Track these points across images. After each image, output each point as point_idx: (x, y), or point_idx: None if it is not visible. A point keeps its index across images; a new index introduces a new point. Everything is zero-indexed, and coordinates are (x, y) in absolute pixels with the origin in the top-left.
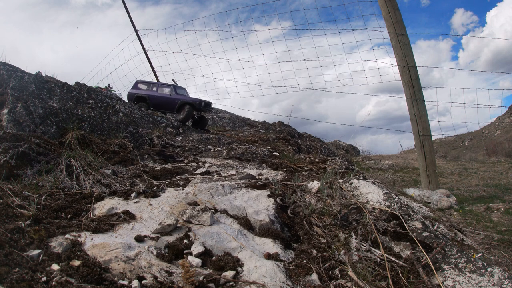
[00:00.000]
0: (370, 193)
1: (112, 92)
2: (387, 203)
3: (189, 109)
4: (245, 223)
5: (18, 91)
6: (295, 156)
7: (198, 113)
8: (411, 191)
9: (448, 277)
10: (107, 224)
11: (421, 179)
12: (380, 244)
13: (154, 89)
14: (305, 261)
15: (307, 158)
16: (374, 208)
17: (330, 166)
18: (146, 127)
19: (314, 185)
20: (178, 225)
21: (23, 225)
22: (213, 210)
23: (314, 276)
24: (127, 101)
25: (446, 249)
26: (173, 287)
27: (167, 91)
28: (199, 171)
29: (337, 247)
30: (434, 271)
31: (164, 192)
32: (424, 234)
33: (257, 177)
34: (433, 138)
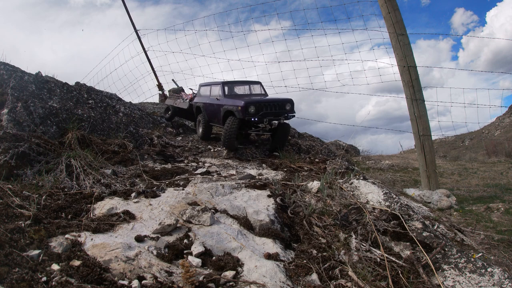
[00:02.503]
0: (370, 193)
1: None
2: (387, 203)
3: (230, 125)
4: (245, 223)
5: (18, 91)
6: (295, 156)
7: (269, 124)
8: (411, 191)
9: (448, 277)
10: (107, 224)
11: (421, 179)
12: (380, 244)
13: (209, 93)
14: (305, 261)
15: (307, 158)
16: (374, 208)
17: (330, 166)
18: (146, 127)
19: (314, 185)
20: (178, 225)
21: (23, 225)
22: (213, 210)
23: (314, 276)
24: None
25: (446, 249)
26: (173, 287)
27: (216, 93)
28: (199, 171)
29: (337, 247)
30: (434, 271)
31: (164, 192)
32: (424, 234)
33: (257, 177)
34: (433, 138)
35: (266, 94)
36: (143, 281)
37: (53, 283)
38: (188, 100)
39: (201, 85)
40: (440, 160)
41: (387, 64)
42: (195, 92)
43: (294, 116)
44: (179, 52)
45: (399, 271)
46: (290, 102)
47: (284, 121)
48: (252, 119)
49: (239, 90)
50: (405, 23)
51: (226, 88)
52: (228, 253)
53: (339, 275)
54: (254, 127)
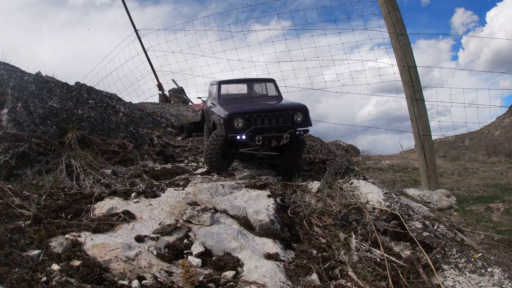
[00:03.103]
0: (370, 193)
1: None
2: (387, 203)
3: (212, 142)
4: (245, 223)
5: (18, 91)
6: None
7: (267, 143)
8: (411, 191)
9: (448, 277)
10: (107, 224)
11: (421, 179)
12: (380, 244)
13: (211, 95)
14: (305, 261)
15: (307, 158)
16: (374, 208)
17: (330, 166)
18: (146, 127)
19: (314, 185)
20: (178, 225)
21: (23, 225)
22: (213, 210)
23: (314, 276)
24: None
25: (446, 249)
26: (173, 287)
27: (214, 96)
28: (199, 171)
29: (337, 247)
30: (434, 271)
31: (164, 192)
32: (424, 234)
33: (257, 177)
34: (433, 138)
35: (280, 97)
36: (143, 281)
37: (53, 283)
38: (200, 111)
39: (210, 84)
40: (440, 160)
41: (387, 64)
42: (204, 99)
43: (307, 131)
44: (179, 52)
45: (399, 271)
46: (301, 111)
47: (289, 138)
48: (238, 137)
49: (242, 91)
50: (405, 23)
51: (222, 90)
52: (228, 253)
53: (339, 275)
54: (248, 144)
